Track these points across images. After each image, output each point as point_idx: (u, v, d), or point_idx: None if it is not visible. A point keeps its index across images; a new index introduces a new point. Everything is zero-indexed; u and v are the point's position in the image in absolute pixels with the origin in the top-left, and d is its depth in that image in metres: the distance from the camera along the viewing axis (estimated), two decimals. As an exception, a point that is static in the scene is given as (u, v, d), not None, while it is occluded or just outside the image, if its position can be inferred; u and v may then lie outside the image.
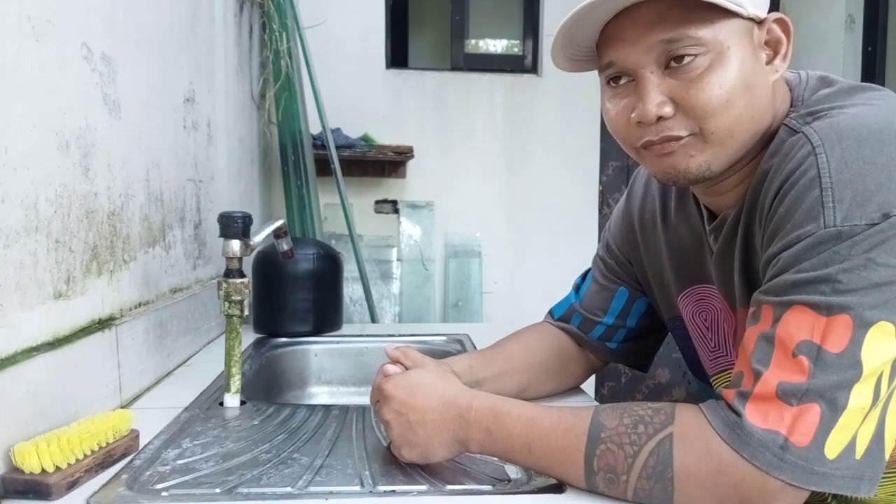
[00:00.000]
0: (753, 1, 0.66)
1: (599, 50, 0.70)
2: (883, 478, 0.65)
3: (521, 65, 2.92)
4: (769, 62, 0.68)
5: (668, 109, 0.66)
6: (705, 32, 0.64)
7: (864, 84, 0.68)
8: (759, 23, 0.67)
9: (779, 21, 0.69)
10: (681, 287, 0.86)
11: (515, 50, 2.99)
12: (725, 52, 0.64)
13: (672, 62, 0.65)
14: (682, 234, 0.85)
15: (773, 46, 0.69)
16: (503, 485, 0.70)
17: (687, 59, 0.64)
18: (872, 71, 2.50)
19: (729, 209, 0.74)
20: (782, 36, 0.69)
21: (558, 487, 0.67)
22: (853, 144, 0.59)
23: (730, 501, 0.58)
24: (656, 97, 0.66)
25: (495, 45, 3.04)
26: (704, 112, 0.65)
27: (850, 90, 0.68)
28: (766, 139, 0.69)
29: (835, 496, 0.72)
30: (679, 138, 0.67)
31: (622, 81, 0.69)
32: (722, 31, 0.64)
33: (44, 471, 0.64)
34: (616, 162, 2.92)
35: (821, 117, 0.65)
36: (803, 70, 0.74)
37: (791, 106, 0.71)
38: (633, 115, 0.68)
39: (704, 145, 0.67)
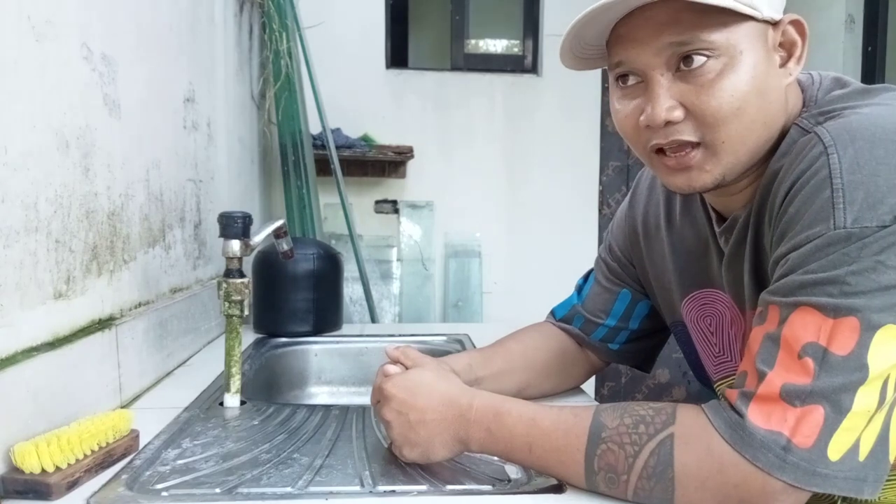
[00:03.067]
0: (770, 2, 0.64)
1: (609, 48, 0.69)
2: (890, 480, 0.65)
3: (521, 65, 2.92)
4: (783, 65, 0.67)
5: (677, 114, 0.65)
6: (718, 36, 0.62)
7: (880, 86, 0.67)
8: (774, 24, 0.66)
9: (794, 22, 0.67)
10: (684, 291, 0.86)
11: (515, 50, 2.99)
12: (738, 56, 0.63)
13: (682, 65, 0.64)
14: (687, 238, 0.84)
15: (787, 48, 0.67)
16: (503, 485, 0.70)
17: (697, 62, 0.63)
18: (872, 71, 2.50)
19: (739, 210, 0.73)
20: (797, 38, 0.67)
21: (558, 487, 0.67)
22: (866, 145, 0.58)
23: (731, 502, 0.57)
24: (666, 101, 0.64)
25: (495, 45, 3.04)
26: (715, 119, 0.64)
27: (865, 91, 0.66)
28: (778, 140, 0.68)
29: (843, 498, 0.72)
30: (688, 144, 0.66)
31: (631, 81, 0.68)
32: (735, 35, 0.63)
33: (44, 471, 0.64)
34: (616, 162, 2.92)
35: (833, 117, 0.64)
36: (815, 71, 0.73)
37: (803, 106, 0.69)
38: (642, 119, 0.67)
39: (717, 158, 0.66)
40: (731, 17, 0.63)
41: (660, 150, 0.68)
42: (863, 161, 0.58)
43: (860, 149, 0.58)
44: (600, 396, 2.95)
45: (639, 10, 0.64)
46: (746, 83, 0.63)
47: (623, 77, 0.69)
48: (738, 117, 0.64)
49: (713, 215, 0.78)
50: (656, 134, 0.67)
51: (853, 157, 0.58)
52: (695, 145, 0.66)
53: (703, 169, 0.67)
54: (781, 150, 0.67)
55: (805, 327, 0.57)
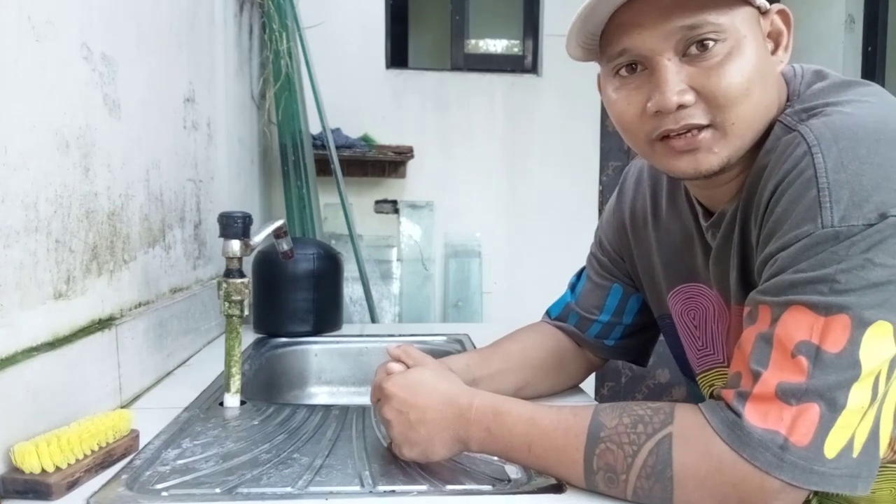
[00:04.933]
0: None
1: (608, 37, 0.68)
2: (884, 476, 0.65)
3: (521, 65, 2.92)
4: (773, 53, 0.69)
5: (689, 97, 0.64)
6: (724, 19, 0.63)
7: (855, 79, 0.68)
8: (764, 13, 0.68)
9: (780, 13, 0.69)
10: (671, 285, 0.86)
11: (515, 50, 2.99)
12: (742, 39, 0.64)
13: (693, 49, 0.64)
14: (673, 232, 0.84)
15: (774, 38, 0.69)
16: (503, 485, 0.70)
17: (709, 46, 0.63)
18: (872, 71, 2.50)
19: (725, 204, 0.73)
20: (783, 27, 0.69)
21: (558, 487, 0.67)
22: (850, 144, 0.59)
23: (729, 501, 0.58)
24: (676, 84, 0.64)
25: (495, 45, 3.04)
26: (726, 100, 0.64)
27: (843, 84, 0.67)
28: (763, 134, 0.69)
29: (828, 494, 0.72)
30: (700, 127, 0.65)
31: (637, 70, 0.67)
32: (738, 19, 0.64)
33: (44, 471, 0.64)
34: (616, 162, 2.92)
35: (816, 115, 0.64)
36: (797, 64, 0.74)
37: (787, 100, 0.70)
38: (649, 105, 0.66)
39: (726, 140, 0.66)
40: (734, 0, 0.64)
41: (665, 137, 0.67)
42: (847, 160, 0.58)
43: (844, 148, 0.59)
44: (600, 396, 2.95)
45: None
46: (752, 66, 0.64)
47: (628, 66, 0.68)
48: (748, 98, 0.64)
49: (699, 210, 0.78)
50: (666, 120, 0.66)
51: (837, 157, 0.59)
52: (703, 127, 0.66)
53: (711, 150, 0.66)
54: (767, 146, 0.67)
55: (797, 326, 0.57)
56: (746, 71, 0.64)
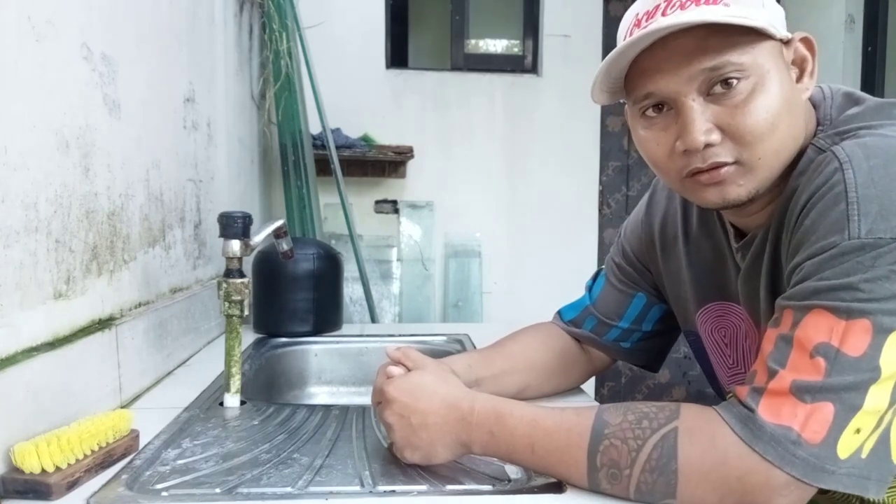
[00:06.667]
0: (782, 23, 0.67)
1: (633, 81, 0.70)
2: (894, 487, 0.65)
3: (521, 65, 2.92)
4: (798, 81, 0.69)
5: (715, 136, 0.66)
6: (746, 58, 0.64)
7: (890, 101, 0.68)
8: (786, 43, 0.68)
9: (803, 40, 0.69)
10: (700, 303, 0.86)
11: (515, 50, 2.99)
12: (766, 75, 0.65)
13: (716, 88, 0.65)
14: (704, 251, 0.84)
15: (798, 65, 0.69)
16: (503, 485, 0.70)
17: (732, 84, 0.64)
18: (872, 71, 2.51)
19: (758, 227, 0.74)
20: (807, 54, 0.69)
21: (558, 487, 0.67)
22: (881, 162, 0.60)
23: (733, 495, 0.58)
24: (702, 125, 0.65)
25: (495, 45, 3.04)
26: (753, 137, 0.65)
27: (878, 108, 0.68)
28: (796, 158, 0.69)
29: (861, 499, 0.72)
30: (726, 164, 0.66)
31: (663, 111, 0.69)
32: (761, 55, 0.65)
33: (44, 471, 0.64)
34: (616, 162, 2.92)
35: (849, 137, 0.65)
36: (825, 84, 0.74)
37: (818, 125, 0.71)
38: (678, 144, 0.67)
39: (753, 174, 0.67)
40: (754, 37, 0.64)
41: (697, 174, 0.68)
42: (877, 177, 0.59)
43: (875, 165, 0.60)
44: (600, 397, 2.95)
45: (660, 41, 0.65)
46: (776, 100, 0.65)
47: (655, 107, 0.69)
48: (773, 133, 0.65)
49: (731, 231, 0.79)
50: (694, 158, 0.67)
51: (868, 173, 0.60)
52: (728, 163, 0.67)
53: (737, 183, 0.67)
54: (799, 168, 0.68)
55: (818, 328, 0.58)
56: (771, 106, 0.65)
